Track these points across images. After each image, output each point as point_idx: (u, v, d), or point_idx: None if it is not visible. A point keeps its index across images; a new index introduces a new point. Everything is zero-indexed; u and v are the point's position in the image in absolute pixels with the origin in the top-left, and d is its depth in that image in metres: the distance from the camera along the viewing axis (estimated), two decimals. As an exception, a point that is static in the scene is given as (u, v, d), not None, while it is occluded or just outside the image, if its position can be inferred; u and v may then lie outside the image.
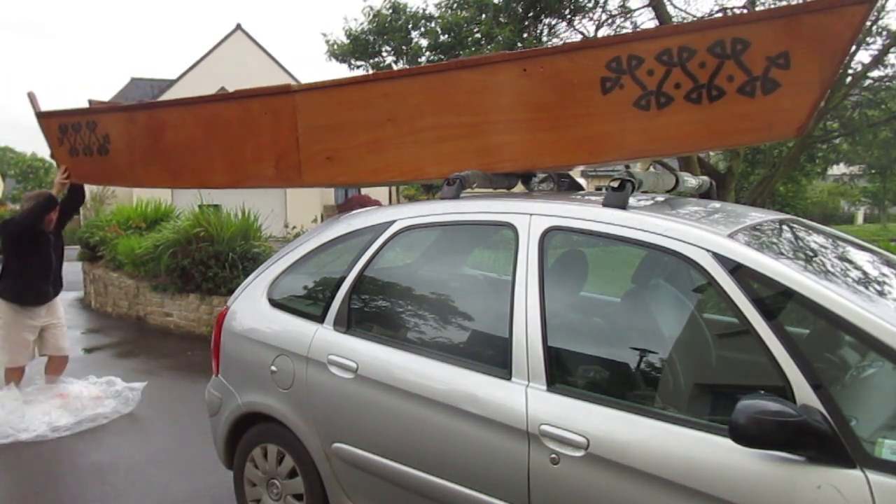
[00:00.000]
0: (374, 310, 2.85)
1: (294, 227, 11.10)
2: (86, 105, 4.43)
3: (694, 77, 2.41)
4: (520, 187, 3.12)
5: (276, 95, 3.32)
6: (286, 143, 3.29)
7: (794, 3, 2.64)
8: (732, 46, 2.34)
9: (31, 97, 4.56)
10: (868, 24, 10.06)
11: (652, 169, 3.10)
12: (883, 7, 11.39)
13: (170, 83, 26.26)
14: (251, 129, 3.40)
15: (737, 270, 1.94)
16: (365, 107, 3.06)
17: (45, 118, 4.37)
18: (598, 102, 2.57)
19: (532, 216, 2.38)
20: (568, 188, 3.08)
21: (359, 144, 3.11)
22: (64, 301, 11.11)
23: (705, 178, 3.18)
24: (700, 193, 3.12)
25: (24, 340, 4.87)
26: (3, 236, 4.89)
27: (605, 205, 2.28)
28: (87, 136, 4.09)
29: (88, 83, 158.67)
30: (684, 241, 2.06)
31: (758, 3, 11.67)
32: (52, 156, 4.53)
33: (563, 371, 2.22)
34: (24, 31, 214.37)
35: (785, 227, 2.51)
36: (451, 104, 2.88)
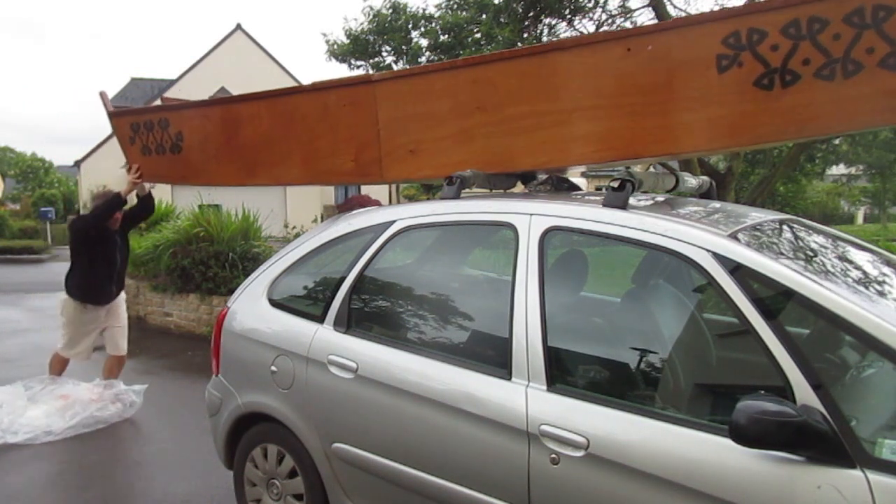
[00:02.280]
0: (374, 310, 2.85)
1: (294, 227, 11.09)
2: (115, 103, 4.37)
3: (826, 51, 2.16)
4: (520, 187, 3.13)
5: (356, 86, 3.18)
6: (366, 137, 3.14)
7: None
8: (873, 14, 2.08)
9: (103, 97, 4.49)
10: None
11: (652, 169, 3.08)
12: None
13: (170, 83, 26.27)
14: (329, 122, 3.25)
15: (737, 270, 1.94)
16: (452, 95, 2.89)
17: (116, 117, 4.30)
18: (713, 83, 2.35)
19: (532, 216, 2.38)
20: (567, 190, 3.08)
21: (445, 136, 2.95)
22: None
23: (705, 178, 3.14)
24: (700, 193, 3.11)
25: (81, 335, 4.97)
26: (72, 234, 4.98)
27: (605, 205, 2.28)
28: (159, 135, 3.99)
29: (88, 83, 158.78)
30: (684, 242, 2.06)
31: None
32: (125, 155, 4.44)
33: (563, 371, 2.22)
34: (23, 30, 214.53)
35: (785, 227, 2.51)
36: (545, 90, 2.69)
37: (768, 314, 1.85)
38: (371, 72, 13.45)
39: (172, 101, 4.45)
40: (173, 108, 4.07)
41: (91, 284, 4.88)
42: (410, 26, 13.85)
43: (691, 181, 3.06)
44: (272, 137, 3.49)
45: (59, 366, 5.06)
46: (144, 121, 4.06)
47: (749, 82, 2.29)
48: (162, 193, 5.47)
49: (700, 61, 2.36)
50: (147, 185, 4.77)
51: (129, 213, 5.01)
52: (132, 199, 4.93)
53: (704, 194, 3.10)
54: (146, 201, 4.98)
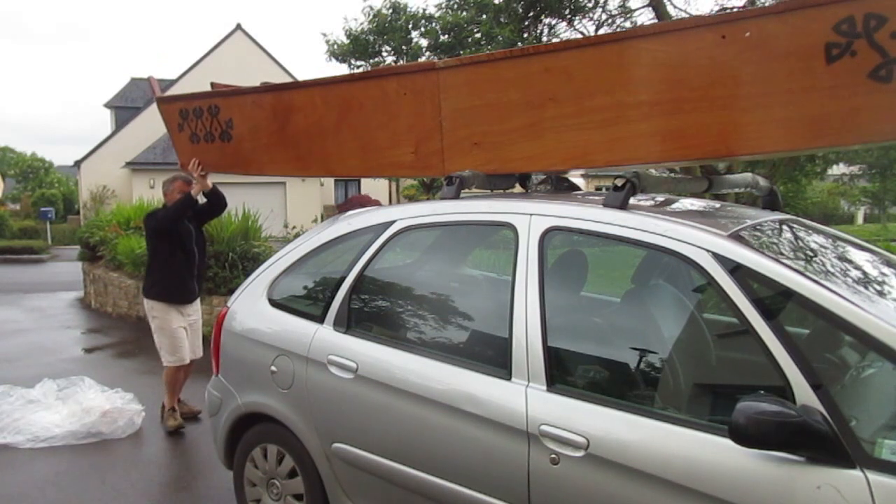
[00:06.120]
0: (374, 310, 2.85)
1: (294, 227, 11.10)
2: (156, 91, 4.20)
3: None
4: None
5: (418, 73, 3.02)
6: (427, 127, 2.96)
7: None
8: None
9: (152, 81, 4.37)
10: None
11: (659, 172, 2.94)
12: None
13: (170, 83, 26.29)
14: (388, 111, 3.08)
15: (736, 270, 1.94)
16: (521, 85, 2.70)
17: (164, 103, 4.14)
18: (821, 74, 2.11)
19: (532, 216, 2.38)
20: (566, 190, 3.08)
21: (513, 128, 2.76)
22: (64, 301, 11.13)
23: (761, 180, 2.87)
24: (765, 201, 2.90)
25: (180, 332, 4.74)
26: (147, 231, 4.80)
27: (605, 205, 2.28)
28: (208, 122, 3.83)
29: (88, 83, 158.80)
30: (684, 242, 2.06)
31: (758, 2, 11.68)
32: (173, 143, 4.27)
33: (562, 371, 2.22)
34: (24, 31, 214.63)
35: (785, 227, 2.51)
36: (627, 80, 2.48)
37: (768, 314, 1.85)
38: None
39: (222, 87, 4.22)
40: (224, 95, 3.90)
41: (171, 281, 4.67)
42: (410, 26, 13.88)
43: (741, 180, 2.80)
44: (326, 127, 3.33)
45: (173, 379, 4.76)
46: (194, 107, 3.89)
47: (863, 73, 2.05)
48: (160, 194, 5.38)
49: (806, 50, 2.12)
50: (209, 181, 4.54)
51: (200, 211, 4.78)
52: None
53: (770, 203, 2.87)
54: (214, 197, 4.69)
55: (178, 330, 4.74)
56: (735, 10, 11.62)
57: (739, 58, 2.25)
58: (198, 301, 4.97)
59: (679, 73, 2.38)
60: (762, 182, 2.90)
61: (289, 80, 24.73)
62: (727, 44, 2.25)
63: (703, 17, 2.45)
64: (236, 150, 3.80)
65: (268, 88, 3.70)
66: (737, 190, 2.92)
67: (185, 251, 4.69)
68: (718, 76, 2.31)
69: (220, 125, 3.79)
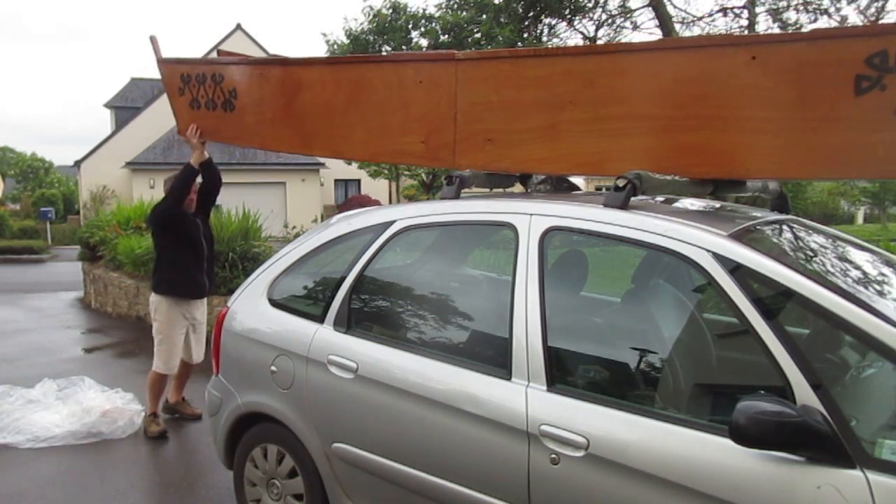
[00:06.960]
0: (374, 310, 2.85)
1: (294, 227, 11.11)
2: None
3: None
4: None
5: (436, 62, 2.97)
6: (441, 118, 2.90)
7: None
8: None
9: (153, 41, 4.22)
10: (867, 23, 10.10)
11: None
12: (883, 7, 11.42)
13: (170, 83, 26.31)
14: (401, 97, 3.02)
15: (737, 270, 1.94)
16: (542, 85, 2.65)
17: (166, 65, 4.00)
18: (848, 105, 2.11)
19: (532, 216, 2.38)
20: (566, 190, 3.08)
21: (529, 128, 2.72)
22: (64, 301, 11.12)
23: (771, 183, 2.84)
24: (773, 205, 2.87)
25: (179, 340, 4.63)
26: (152, 224, 4.70)
27: (605, 205, 2.28)
28: (211, 89, 3.74)
29: (88, 83, 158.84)
30: (684, 242, 2.06)
31: (758, 2, 11.70)
32: (171, 107, 4.12)
33: (563, 371, 2.22)
34: (24, 31, 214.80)
35: (785, 227, 2.51)
36: (651, 92, 2.46)
37: (768, 314, 1.85)
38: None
39: (229, 55, 4.14)
40: (229, 63, 3.82)
41: (179, 275, 4.52)
42: (410, 26, 13.89)
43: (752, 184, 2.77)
44: (335, 107, 3.25)
45: (159, 387, 4.61)
46: (197, 73, 3.79)
47: (891, 109, 2.05)
48: (162, 194, 5.31)
49: (836, 79, 2.12)
50: (206, 153, 4.38)
51: (200, 189, 4.64)
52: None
53: (778, 206, 2.83)
54: (208, 169, 4.50)
55: (177, 337, 4.61)
56: (738, 9, 11.63)
57: (767, 80, 2.23)
58: (205, 301, 4.84)
59: (704, 89, 2.36)
60: (772, 185, 2.86)
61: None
62: (756, 65, 2.23)
63: (734, 37, 2.43)
64: (239, 122, 3.72)
65: (277, 62, 3.62)
66: (743, 194, 2.91)
67: (193, 244, 4.57)
68: (743, 97, 2.28)
69: (224, 94, 3.71)
